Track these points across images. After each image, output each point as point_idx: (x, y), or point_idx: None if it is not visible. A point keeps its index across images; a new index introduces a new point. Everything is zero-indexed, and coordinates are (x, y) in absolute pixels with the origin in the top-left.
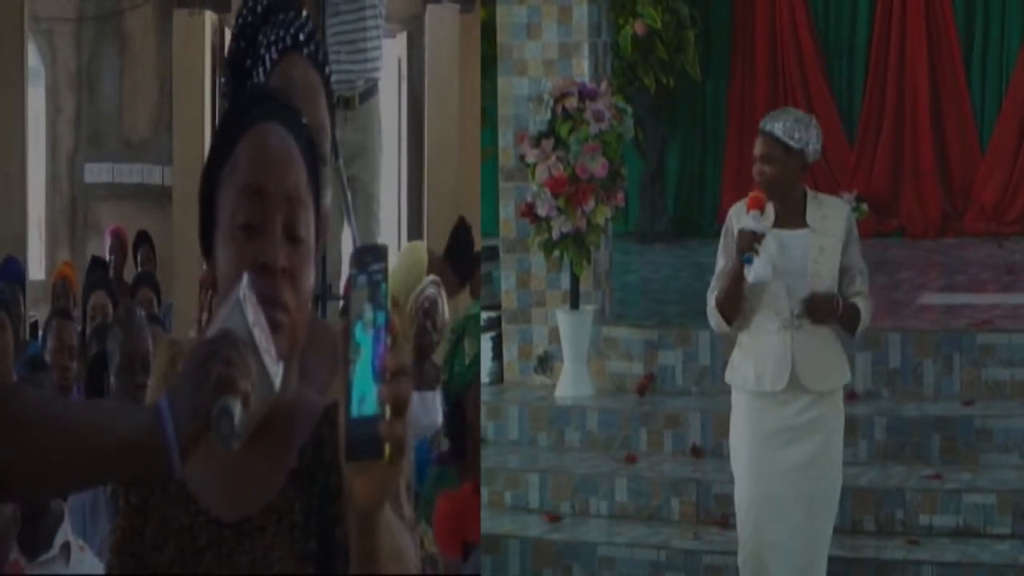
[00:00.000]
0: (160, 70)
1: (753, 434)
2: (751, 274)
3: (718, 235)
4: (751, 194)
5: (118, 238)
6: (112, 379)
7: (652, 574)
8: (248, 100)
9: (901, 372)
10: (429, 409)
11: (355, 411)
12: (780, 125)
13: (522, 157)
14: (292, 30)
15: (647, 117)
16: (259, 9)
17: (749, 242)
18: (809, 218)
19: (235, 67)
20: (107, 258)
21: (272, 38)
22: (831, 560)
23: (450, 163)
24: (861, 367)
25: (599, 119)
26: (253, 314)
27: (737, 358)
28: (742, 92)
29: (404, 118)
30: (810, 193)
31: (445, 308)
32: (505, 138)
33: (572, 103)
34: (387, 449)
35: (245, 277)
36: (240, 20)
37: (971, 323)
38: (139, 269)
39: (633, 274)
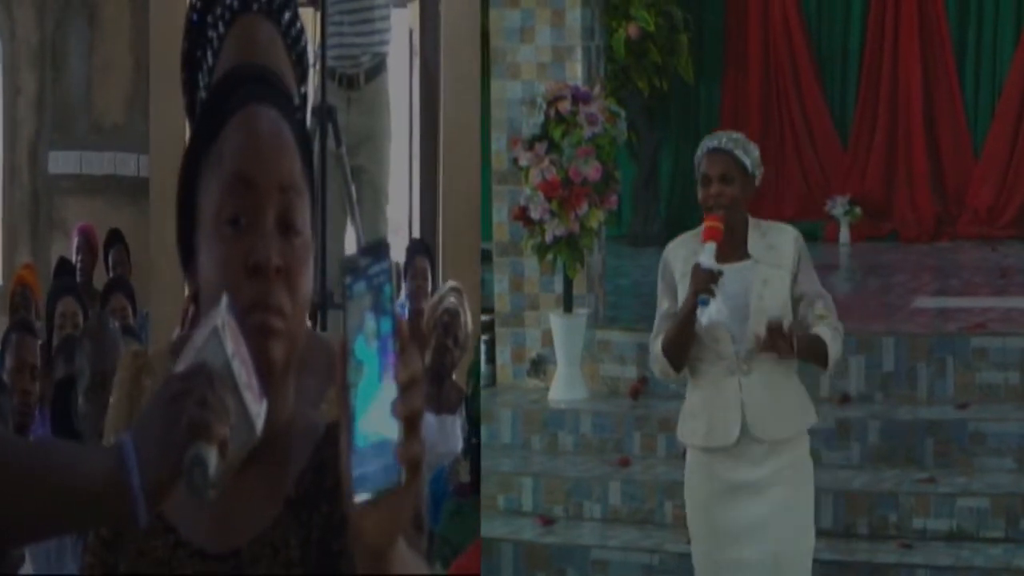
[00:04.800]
0: (135, 44)
1: (707, 493)
2: (705, 316)
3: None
4: (707, 223)
5: (87, 237)
6: (80, 399)
7: None
8: (232, 80)
9: (895, 376)
10: (448, 435)
11: (362, 440)
12: (738, 147)
13: (515, 160)
14: None
15: (640, 120)
16: None
17: (706, 282)
18: (751, 248)
19: (186, 66)
20: (74, 260)
21: (219, 12)
22: (824, 563)
23: (470, 151)
24: (855, 371)
25: (592, 122)
26: (233, 344)
27: (686, 410)
28: (735, 95)
29: (416, 100)
30: (752, 221)
31: (468, 320)
32: (498, 141)
33: (565, 106)
34: (402, 473)
35: (224, 301)
36: (190, 12)
37: (964, 327)
38: (111, 273)
39: (626, 277)
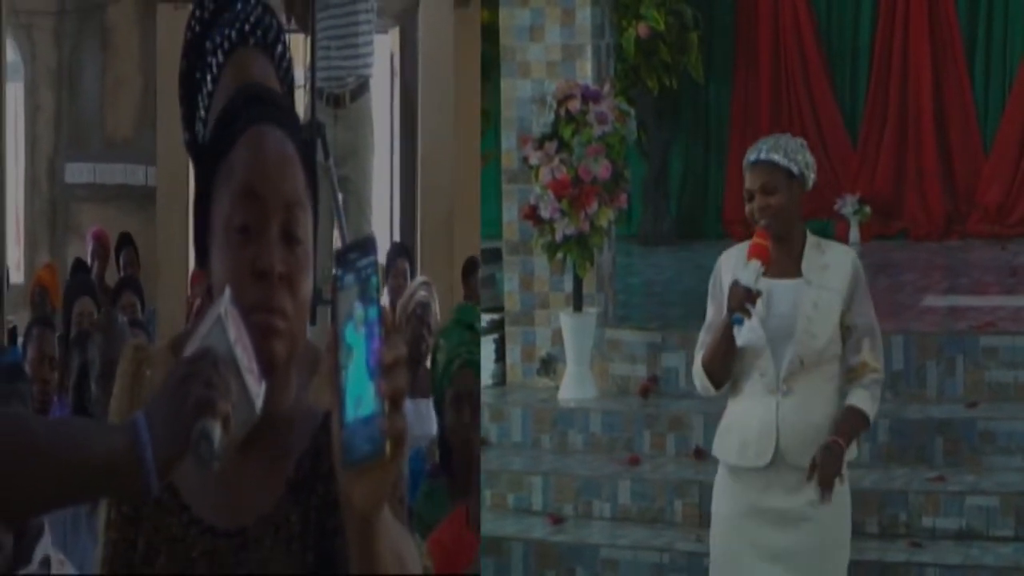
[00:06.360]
0: (144, 66)
1: (731, 513)
2: (740, 337)
3: (721, 237)
4: (754, 239)
5: (100, 241)
6: (92, 387)
7: None
8: (242, 101)
9: (904, 374)
10: (423, 418)
11: (351, 415)
12: (778, 151)
13: (525, 159)
14: (238, 24)
15: (650, 119)
16: (206, 16)
17: (741, 301)
18: (805, 266)
19: (185, 83)
20: (89, 261)
21: (218, 40)
22: None
23: (445, 164)
24: None
25: (602, 121)
26: (235, 331)
27: (723, 426)
28: (745, 94)
29: (397, 117)
30: (811, 238)
31: (437, 310)
32: (508, 140)
33: (575, 105)
34: (388, 446)
35: (227, 292)
36: (188, 34)
37: (974, 325)
38: (122, 273)
39: (636, 276)
